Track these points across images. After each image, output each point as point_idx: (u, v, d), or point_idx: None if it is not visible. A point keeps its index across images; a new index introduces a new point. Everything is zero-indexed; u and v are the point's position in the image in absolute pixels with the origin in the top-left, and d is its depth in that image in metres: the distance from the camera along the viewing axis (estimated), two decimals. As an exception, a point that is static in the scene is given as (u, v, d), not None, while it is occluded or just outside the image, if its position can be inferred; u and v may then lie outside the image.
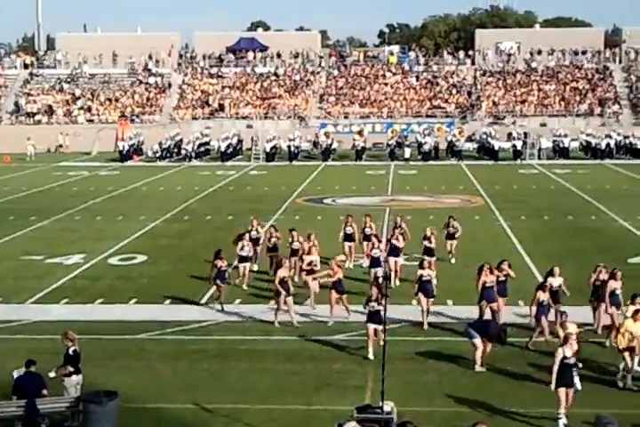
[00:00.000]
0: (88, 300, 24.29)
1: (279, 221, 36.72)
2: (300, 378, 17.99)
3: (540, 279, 25.62)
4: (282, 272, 21.72)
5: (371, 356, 18.87)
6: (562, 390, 15.51)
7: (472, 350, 18.46)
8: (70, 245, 31.83)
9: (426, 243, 26.13)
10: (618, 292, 20.39)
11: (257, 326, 21.57)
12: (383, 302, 18.05)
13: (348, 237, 27.68)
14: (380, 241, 26.09)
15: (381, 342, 17.52)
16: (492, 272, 21.02)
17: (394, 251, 25.74)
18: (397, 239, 25.88)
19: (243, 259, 25.55)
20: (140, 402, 16.68)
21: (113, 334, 21.10)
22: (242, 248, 25.53)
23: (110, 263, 29.00)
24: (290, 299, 21.58)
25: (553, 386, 15.56)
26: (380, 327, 18.45)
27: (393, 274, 25.36)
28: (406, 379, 17.78)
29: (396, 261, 25.70)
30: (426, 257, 25.19)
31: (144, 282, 26.45)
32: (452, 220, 28.93)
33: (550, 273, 21.26)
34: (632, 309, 17.99)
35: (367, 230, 27.33)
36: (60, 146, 72.62)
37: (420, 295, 21.24)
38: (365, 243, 26.97)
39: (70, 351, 16.09)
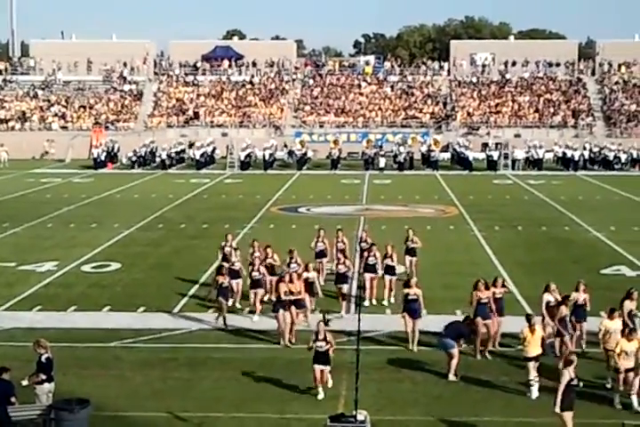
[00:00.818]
0: (61, 307, 24.12)
1: (253, 229, 36.70)
2: (274, 387, 17.93)
3: (514, 289, 25.84)
4: (284, 286, 20.72)
5: (321, 396, 17.51)
6: (568, 414, 14.89)
7: (447, 360, 18.44)
8: (43, 253, 31.64)
9: (387, 261, 24.47)
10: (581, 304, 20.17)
11: (230, 335, 21.48)
12: (328, 338, 17.80)
13: (320, 254, 26.31)
14: (346, 257, 24.63)
15: (330, 383, 17.67)
16: (487, 288, 20.23)
17: (370, 267, 24.46)
18: (375, 256, 24.42)
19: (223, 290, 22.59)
20: (112, 410, 16.58)
21: (85, 341, 20.97)
22: (220, 284, 22.41)
23: (83, 271, 28.83)
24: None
25: (557, 409, 14.85)
26: (328, 368, 17.57)
27: (368, 291, 24.35)
28: (380, 388, 17.77)
29: (372, 278, 24.42)
30: (387, 276, 24.42)
31: (117, 290, 26.31)
32: (412, 233, 27.19)
33: (576, 289, 20.52)
34: (606, 322, 18.01)
35: (340, 245, 25.99)
36: (47, 152, 72.03)
37: (406, 315, 20.47)
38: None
39: (43, 359, 15.98)
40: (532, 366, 17.56)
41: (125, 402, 17.03)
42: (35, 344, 16.29)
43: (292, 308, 20.73)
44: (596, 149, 65.34)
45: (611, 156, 63.34)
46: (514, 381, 18.15)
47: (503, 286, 21.07)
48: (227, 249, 25.56)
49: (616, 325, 17.85)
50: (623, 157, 63.53)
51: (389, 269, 24.53)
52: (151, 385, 18.03)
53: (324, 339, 17.59)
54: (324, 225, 37.40)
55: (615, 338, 17.38)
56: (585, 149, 64.42)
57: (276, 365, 19.26)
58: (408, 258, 26.97)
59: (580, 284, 20.53)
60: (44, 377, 15.86)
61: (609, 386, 17.55)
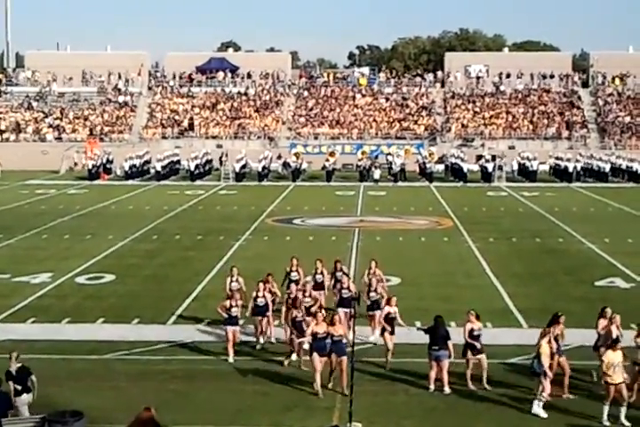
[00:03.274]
0: (55, 319, 24.08)
1: (248, 241, 36.71)
2: (268, 398, 17.91)
3: (508, 301, 25.87)
4: (316, 328, 18.57)
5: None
6: None
7: (439, 373, 18.39)
8: (38, 264, 31.59)
9: (373, 295, 22.00)
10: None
11: (225, 347, 21.43)
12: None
13: (319, 286, 23.68)
14: (349, 278, 23.35)
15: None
16: (478, 319, 19.08)
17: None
18: (375, 290, 22.11)
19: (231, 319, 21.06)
20: (107, 422, 16.52)
21: (80, 353, 20.91)
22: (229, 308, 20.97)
23: (78, 282, 28.79)
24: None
25: None
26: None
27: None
28: (374, 400, 17.75)
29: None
30: (369, 312, 22.08)
31: (112, 301, 26.27)
32: (375, 265, 23.76)
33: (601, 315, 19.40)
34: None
35: (338, 274, 23.58)
36: (75, 164, 71.72)
37: (387, 334, 20.02)
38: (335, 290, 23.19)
39: (13, 370, 15.98)
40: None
41: (120, 414, 16.95)
42: (10, 356, 16.27)
43: (333, 355, 18.29)
44: (588, 161, 65.52)
45: (606, 168, 63.40)
46: (508, 393, 18.14)
47: None
48: (234, 284, 22.89)
49: (619, 357, 16.94)
50: (607, 166, 63.59)
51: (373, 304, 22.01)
52: (146, 397, 17.95)
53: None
54: (318, 237, 37.60)
55: (619, 372, 16.75)
56: (578, 160, 64.55)
57: (271, 377, 19.23)
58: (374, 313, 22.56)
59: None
60: (18, 387, 15.84)
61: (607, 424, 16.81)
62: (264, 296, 21.65)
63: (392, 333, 20.04)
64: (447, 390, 18.28)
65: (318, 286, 23.61)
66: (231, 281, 22.95)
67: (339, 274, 23.49)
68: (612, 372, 16.62)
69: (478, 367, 18.67)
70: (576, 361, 18.91)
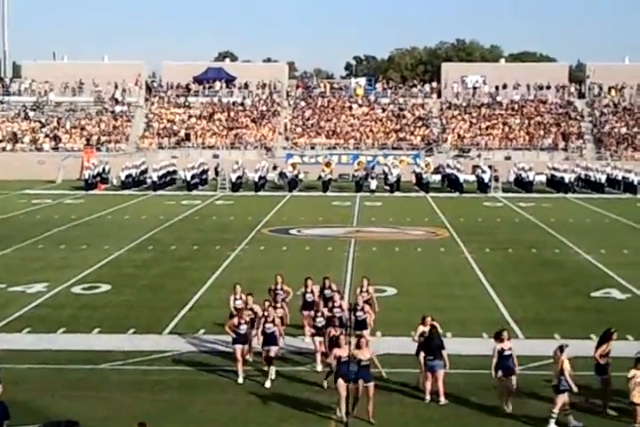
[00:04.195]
0: (50, 329, 24.03)
1: (244, 251, 36.70)
2: (263, 409, 17.86)
3: (504, 311, 25.87)
4: (339, 352, 17.43)
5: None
6: None
7: (434, 383, 18.37)
8: (33, 274, 31.56)
9: (360, 314, 20.90)
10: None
11: (220, 357, 21.41)
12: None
13: (308, 306, 22.26)
14: (342, 297, 22.12)
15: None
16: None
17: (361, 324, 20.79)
18: (362, 309, 21.04)
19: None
20: (102, 433, 16.51)
21: (75, 363, 20.86)
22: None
23: (74, 292, 28.76)
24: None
25: None
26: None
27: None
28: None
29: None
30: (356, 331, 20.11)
31: (107, 311, 26.23)
32: (367, 283, 22.85)
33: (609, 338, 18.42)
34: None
35: (327, 292, 22.41)
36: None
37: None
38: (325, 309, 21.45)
39: None
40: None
41: (114, 424, 16.94)
42: None
43: (360, 380, 17.21)
44: (584, 172, 65.69)
45: (602, 179, 63.51)
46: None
47: None
48: (238, 302, 21.60)
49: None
50: (603, 177, 63.69)
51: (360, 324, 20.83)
52: (141, 407, 17.95)
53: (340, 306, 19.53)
54: (314, 247, 37.61)
55: None
56: (574, 171, 64.67)
57: (267, 388, 19.18)
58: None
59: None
60: None
61: None
62: (312, 292, 22.09)
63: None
64: (443, 400, 18.20)
65: (308, 305, 22.23)
66: (235, 299, 21.78)
67: (327, 292, 22.31)
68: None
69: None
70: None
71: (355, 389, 17.05)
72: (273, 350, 19.50)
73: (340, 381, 17.03)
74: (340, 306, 20.81)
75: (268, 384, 19.15)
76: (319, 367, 20.15)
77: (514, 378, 17.77)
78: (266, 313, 19.89)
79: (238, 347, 19.77)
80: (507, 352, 17.71)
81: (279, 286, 22.74)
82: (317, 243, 39.05)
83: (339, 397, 17.04)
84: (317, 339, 20.32)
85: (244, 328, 19.86)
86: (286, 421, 17.27)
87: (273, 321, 19.72)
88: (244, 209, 51.77)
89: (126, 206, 53.42)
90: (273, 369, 19.46)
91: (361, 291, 22.53)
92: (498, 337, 17.93)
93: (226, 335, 21.40)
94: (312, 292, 22.42)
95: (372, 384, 17.17)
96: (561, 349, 17.16)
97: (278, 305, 21.31)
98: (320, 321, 20.34)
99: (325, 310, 20.87)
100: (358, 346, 17.31)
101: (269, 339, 19.61)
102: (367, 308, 21.20)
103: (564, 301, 27.56)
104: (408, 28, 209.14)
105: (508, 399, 17.79)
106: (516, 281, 30.68)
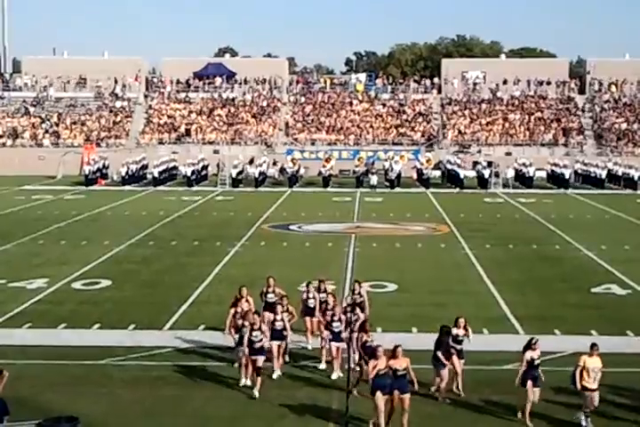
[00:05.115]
0: (51, 324, 24.04)
1: (244, 247, 36.70)
2: (263, 405, 17.86)
3: (505, 307, 25.86)
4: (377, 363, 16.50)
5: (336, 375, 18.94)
6: None
7: (436, 381, 18.34)
8: (34, 270, 31.56)
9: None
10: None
11: (221, 353, 21.41)
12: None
13: (310, 312, 21.71)
14: (335, 299, 20.93)
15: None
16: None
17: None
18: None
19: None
20: (102, 428, 16.53)
21: (75, 359, 20.85)
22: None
23: (74, 288, 28.76)
24: None
25: None
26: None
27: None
28: (369, 407, 17.68)
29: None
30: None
31: (108, 307, 26.24)
32: (359, 286, 22.15)
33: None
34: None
35: (322, 296, 21.55)
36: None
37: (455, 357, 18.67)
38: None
39: None
40: None
41: (115, 420, 16.96)
42: None
43: (396, 392, 16.53)
44: (584, 168, 65.74)
45: (602, 174, 63.52)
46: (503, 401, 18.09)
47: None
48: (244, 306, 20.48)
49: (596, 363, 16.77)
50: (603, 173, 63.72)
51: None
52: (141, 403, 17.97)
53: (339, 319, 18.91)
54: (315, 243, 37.61)
55: (594, 377, 16.64)
56: (573, 167, 64.72)
57: (267, 383, 19.18)
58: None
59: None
60: None
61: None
62: (314, 297, 21.36)
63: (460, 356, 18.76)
64: (461, 393, 18.30)
65: (310, 311, 21.61)
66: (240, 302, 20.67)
67: (322, 295, 21.41)
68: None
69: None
70: (571, 368, 18.89)
71: (389, 400, 16.39)
72: (260, 360, 18.52)
73: (379, 394, 16.23)
74: (337, 314, 19.84)
75: (256, 394, 18.20)
76: (334, 375, 19.50)
77: (538, 390, 17.21)
78: (253, 321, 18.81)
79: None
80: (537, 361, 17.21)
81: (270, 289, 21.72)
82: (318, 239, 39.04)
83: (378, 412, 16.25)
84: (335, 344, 19.41)
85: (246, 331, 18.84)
86: (286, 417, 17.28)
87: (260, 329, 18.70)
88: (245, 205, 51.75)
89: (126, 202, 53.42)
90: (260, 379, 18.43)
91: (353, 294, 21.81)
92: (529, 346, 17.29)
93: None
94: (314, 297, 21.60)
95: (407, 396, 16.43)
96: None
97: (278, 310, 19.98)
98: (337, 326, 19.49)
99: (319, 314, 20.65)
100: (394, 355, 16.59)
101: (257, 348, 18.60)
102: (357, 310, 20.32)
103: (565, 296, 27.56)
104: (408, 23, 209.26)
105: (525, 411, 17.06)
106: (516, 277, 30.67)
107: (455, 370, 18.52)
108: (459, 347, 18.66)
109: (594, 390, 16.61)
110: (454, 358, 18.48)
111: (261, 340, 18.62)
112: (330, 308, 20.11)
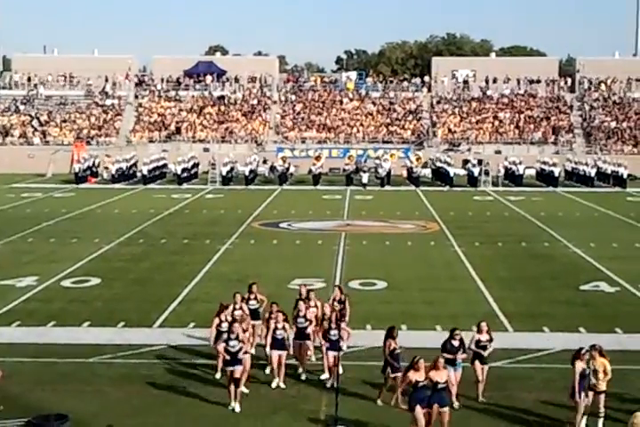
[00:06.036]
0: (40, 322, 24.01)
1: (235, 244, 36.70)
2: (253, 402, 17.87)
3: (494, 305, 25.92)
4: (416, 375, 15.78)
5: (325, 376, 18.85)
6: None
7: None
8: (23, 268, 31.50)
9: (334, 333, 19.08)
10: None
11: (210, 350, 21.40)
12: (339, 325, 18.05)
13: (279, 345, 19.60)
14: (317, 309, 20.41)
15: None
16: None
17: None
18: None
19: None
20: (91, 426, 16.50)
21: (65, 357, 20.85)
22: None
23: (63, 286, 28.72)
24: None
25: None
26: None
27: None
28: (360, 404, 17.74)
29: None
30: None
31: (97, 305, 26.21)
32: (340, 293, 21.32)
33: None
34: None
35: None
36: (106, 168, 68.79)
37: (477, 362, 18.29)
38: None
39: None
40: None
41: (104, 418, 16.93)
42: None
43: (435, 405, 15.72)
44: (574, 166, 65.90)
45: (592, 172, 63.67)
46: (494, 397, 18.13)
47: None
48: (237, 313, 20.01)
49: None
50: (593, 171, 63.91)
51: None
52: (130, 401, 17.97)
53: (337, 327, 18.30)
54: (305, 241, 37.63)
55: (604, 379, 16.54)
56: (564, 165, 64.87)
57: (257, 381, 19.20)
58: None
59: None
60: None
61: None
62: (316, 305, 20.22)
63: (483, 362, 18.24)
64: (455, 403, 17.57)
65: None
66: (234, 309, 20.15)
67: (313, 310, 20.25)
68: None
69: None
70: (560, 365, 18.97)
71: (427, 413, 15.57)
72: (238, 371, 17.65)
73: (419, 408, 15.44)
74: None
75: (237, 408, 17.41)
76: (324, 376, 19.28)
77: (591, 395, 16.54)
78: (232, 328, 18.01)
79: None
80: (587, 371, 16.30)
81: (252, 296, 21.09)
82: (308, 236, 39.06)
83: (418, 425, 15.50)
84: (332, 353, 18.73)
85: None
86: (277, 413, 17.30)
87: (237, 338, 17.83)
88: (235, 203, 51.72)
89: (116, 200, 53.35)
90: (240, 391, 17.71)
91: (334, 300, 20.91)
92: (578, 356, 16.43)
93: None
94: (316, 306, 20.47)
95: (447, 409, 15.80)
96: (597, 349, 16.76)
97: (280, 319, 19.09)
98: (334, 334, 18.80)
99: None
100: (435, 367, 15.78)
101: (234, 358, 17.74)
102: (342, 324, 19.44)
103: (554, 294, 27.63)
104: (399, 22, 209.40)
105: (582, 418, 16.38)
106: (505, 274, 30.73)
107: (477, 377, 18.08)
108: (484, 353, 18.01)
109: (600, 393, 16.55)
110: (476, 363, 18.05)
111: (240, 349, 17.73)
112: (326, 318, 19.39)
